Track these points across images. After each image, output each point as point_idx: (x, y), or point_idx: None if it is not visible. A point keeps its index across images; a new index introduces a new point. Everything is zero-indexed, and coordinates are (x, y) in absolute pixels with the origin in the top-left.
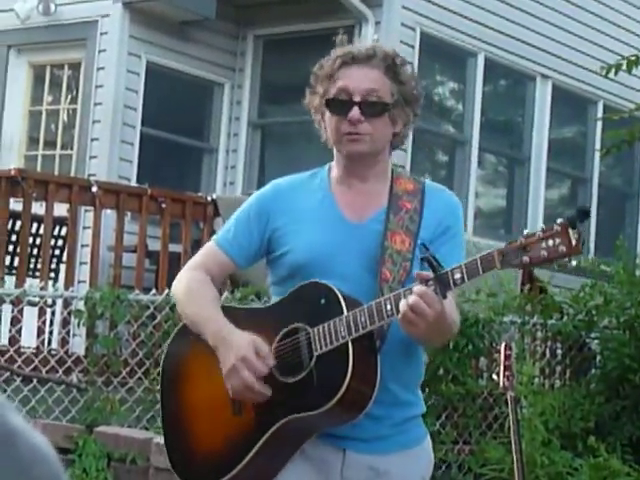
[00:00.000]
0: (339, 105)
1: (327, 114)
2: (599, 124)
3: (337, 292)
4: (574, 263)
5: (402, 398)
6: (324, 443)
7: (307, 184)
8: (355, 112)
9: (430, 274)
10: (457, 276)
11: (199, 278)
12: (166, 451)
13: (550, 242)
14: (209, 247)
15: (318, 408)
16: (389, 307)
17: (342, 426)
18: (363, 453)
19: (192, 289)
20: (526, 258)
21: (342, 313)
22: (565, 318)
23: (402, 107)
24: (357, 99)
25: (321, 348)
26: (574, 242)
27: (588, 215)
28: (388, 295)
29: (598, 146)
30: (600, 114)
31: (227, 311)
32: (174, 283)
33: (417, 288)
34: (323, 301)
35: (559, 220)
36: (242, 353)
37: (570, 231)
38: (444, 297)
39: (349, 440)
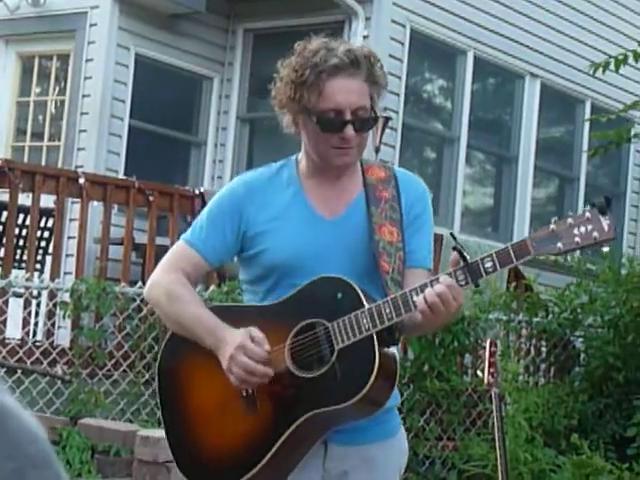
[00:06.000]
0: (332, 124)
1: (313, 126)
2: (587, 123)
3: (355, 286)
4: (606, 249)
5: None
6: None
7: (276, 179)
8: (350, 131)
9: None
10: (488, 265)
11: (178, 280)
12: (177, 466)
13: (582, 229)
14: (181, 247)
15: (344, 401)
16: (415, 299)
17: None
18: (344, 445)
19: (174, 291)
20: (560, 245)
21: (362, 306)
22: (550, 316)
23: (377, 104)
24: (348, 117)
25: (343, 341)
26: (606, 228)
27: (611, 203)
28: (414, 286)
29: (586, 146)
30: (588, 113)
31: (225, 311)
32: (149, 286)
33: (444, 279)
34: (340, 295)
35: (587, 207)
36: (237, 342)
37: (601, 217)
38: (476, 285)
39: (331, 432)
